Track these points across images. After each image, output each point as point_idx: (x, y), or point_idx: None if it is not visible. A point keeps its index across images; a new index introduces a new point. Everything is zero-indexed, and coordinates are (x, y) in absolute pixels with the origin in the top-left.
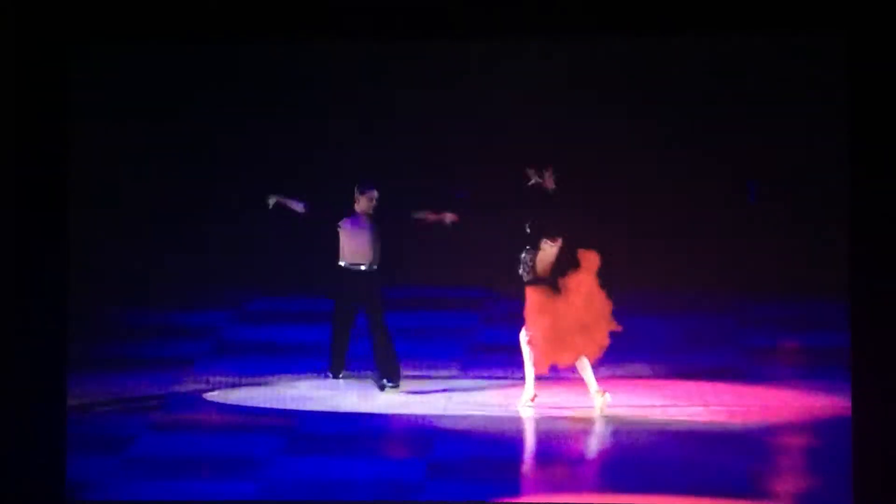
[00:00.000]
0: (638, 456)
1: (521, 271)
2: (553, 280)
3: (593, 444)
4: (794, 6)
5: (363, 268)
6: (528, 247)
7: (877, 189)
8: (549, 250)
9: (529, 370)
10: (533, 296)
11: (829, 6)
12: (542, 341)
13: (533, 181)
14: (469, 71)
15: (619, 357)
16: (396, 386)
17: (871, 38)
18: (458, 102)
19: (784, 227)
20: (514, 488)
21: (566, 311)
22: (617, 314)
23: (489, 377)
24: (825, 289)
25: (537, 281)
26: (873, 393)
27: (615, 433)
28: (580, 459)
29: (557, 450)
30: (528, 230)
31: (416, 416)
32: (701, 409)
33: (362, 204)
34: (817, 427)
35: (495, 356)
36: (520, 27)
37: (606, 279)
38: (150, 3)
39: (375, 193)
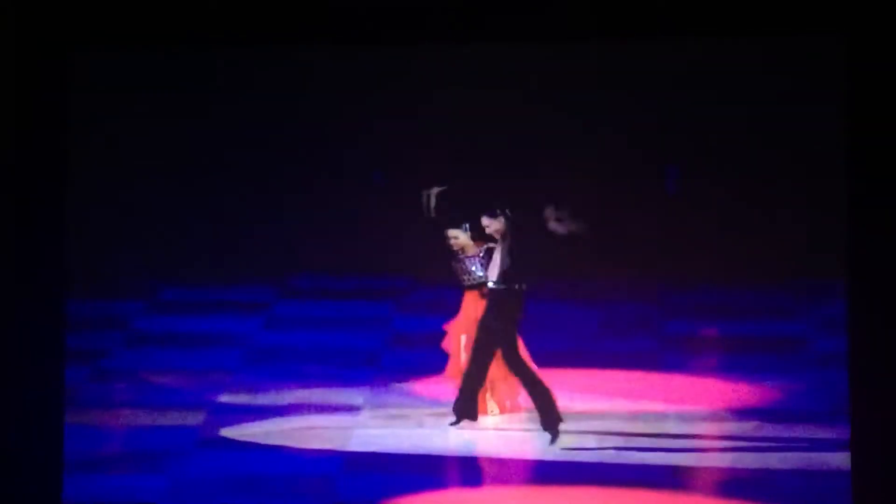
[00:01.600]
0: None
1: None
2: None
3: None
4: (794, 8)
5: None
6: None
7: (875, 190)
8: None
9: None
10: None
11: (830, 8)
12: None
13: (552, 225)
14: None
15: (539, 346)
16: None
17: (872, 40)
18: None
19: (708, 213)
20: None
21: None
22: (538, 302)
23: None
24: (750, 277)
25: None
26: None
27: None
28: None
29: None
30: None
31: None
32: (621, 399)
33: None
34: (740, 415)
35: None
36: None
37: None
38: (151, 6)
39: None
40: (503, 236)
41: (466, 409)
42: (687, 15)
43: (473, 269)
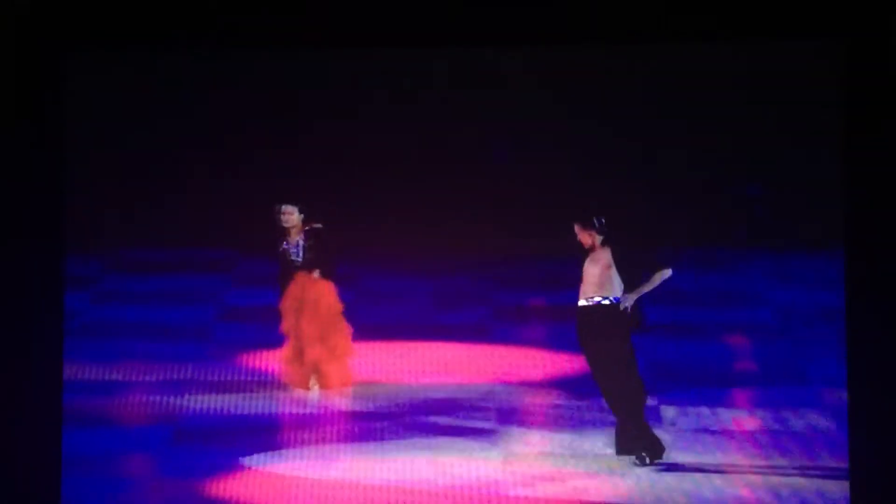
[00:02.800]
0: (389, 418)
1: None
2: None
3: (343, 409)
4: (793, 12)
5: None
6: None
7: (875, 192)
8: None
9: None
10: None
11: (829, 12)
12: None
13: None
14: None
15: (369, 318)
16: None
17: (871, 43)
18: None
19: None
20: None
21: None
22: (368, 274)
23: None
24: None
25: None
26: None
27: (366, 399)
28: (331, 421)
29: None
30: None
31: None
32: (452, 371)
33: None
34: (565, 384)
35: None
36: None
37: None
38: (148, 7)
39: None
40: (592, 250)
41: (647, 445)
42: (684, 20)
43: (293, 252)
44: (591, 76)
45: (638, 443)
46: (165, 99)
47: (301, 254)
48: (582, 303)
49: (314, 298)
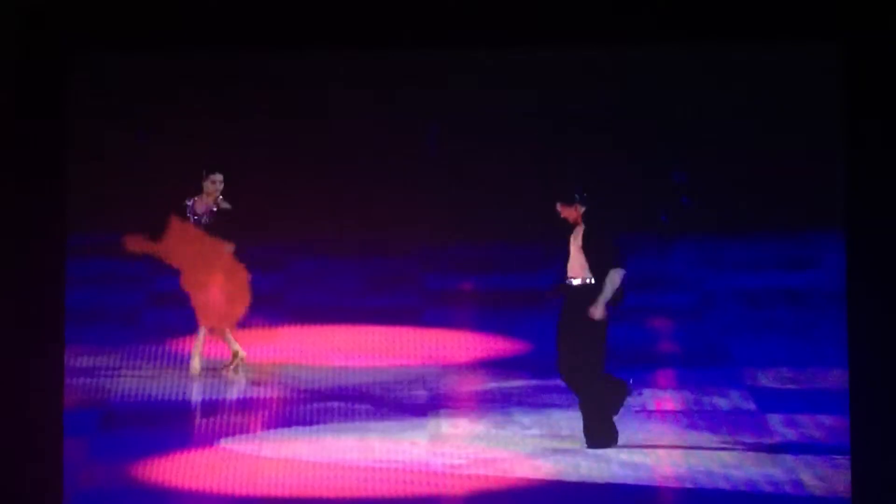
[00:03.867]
0: (318, 400)
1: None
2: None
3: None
4: (789, 15)
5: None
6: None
7: (875, 194)
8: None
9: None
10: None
11: (825, 15)
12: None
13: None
14: None
15: (298, 301)
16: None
17: (868, 46)
18: None
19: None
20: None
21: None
22: (297, 258)
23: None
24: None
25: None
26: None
27: (295, 380)
28: (260, 405)
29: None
30: None
31: None
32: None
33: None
34: (496, 365)
35: None
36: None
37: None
38: (152, 10)
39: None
40: (577, 224)
41: (602, 433)
42: (682, 23)
43: (200, 217)
44: (587, 76)
45: (599, 426)
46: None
47: (205, 220)
48: (576, 282)
49: (214, 249)
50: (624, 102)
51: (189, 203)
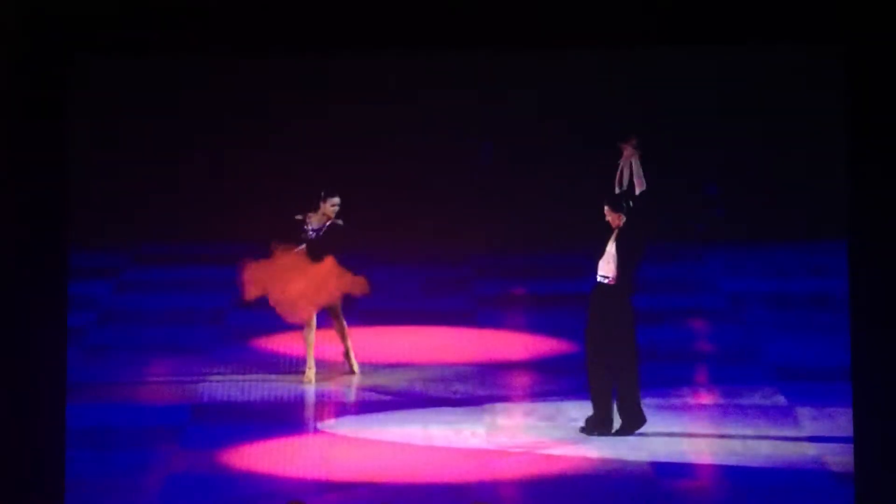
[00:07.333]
0: (386, 394)
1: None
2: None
3: (351, 393)
4: (792, 18)
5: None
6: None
7: (876, 195)
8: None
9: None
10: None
11: (829, 18)
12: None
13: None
14: None
15: (365, 304)
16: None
17: (871, 49)
18: None
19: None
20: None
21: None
22: (364, 266)
23: None
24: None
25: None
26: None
27: (365, 375)
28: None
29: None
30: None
31: None
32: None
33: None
34: (544, 365)
35: None
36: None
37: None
38: (153, 13)
39: None
40: (616, 228)
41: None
42: (683, 25)
43: (312, 233)
44: (591, 79)
45: (631, 414)
46: (172, 98)
47: (317, 235)
48: (602, 280)
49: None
50: (646, 110)
51: (301, 217)
